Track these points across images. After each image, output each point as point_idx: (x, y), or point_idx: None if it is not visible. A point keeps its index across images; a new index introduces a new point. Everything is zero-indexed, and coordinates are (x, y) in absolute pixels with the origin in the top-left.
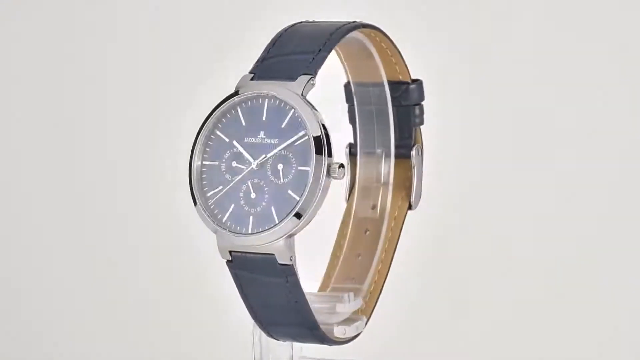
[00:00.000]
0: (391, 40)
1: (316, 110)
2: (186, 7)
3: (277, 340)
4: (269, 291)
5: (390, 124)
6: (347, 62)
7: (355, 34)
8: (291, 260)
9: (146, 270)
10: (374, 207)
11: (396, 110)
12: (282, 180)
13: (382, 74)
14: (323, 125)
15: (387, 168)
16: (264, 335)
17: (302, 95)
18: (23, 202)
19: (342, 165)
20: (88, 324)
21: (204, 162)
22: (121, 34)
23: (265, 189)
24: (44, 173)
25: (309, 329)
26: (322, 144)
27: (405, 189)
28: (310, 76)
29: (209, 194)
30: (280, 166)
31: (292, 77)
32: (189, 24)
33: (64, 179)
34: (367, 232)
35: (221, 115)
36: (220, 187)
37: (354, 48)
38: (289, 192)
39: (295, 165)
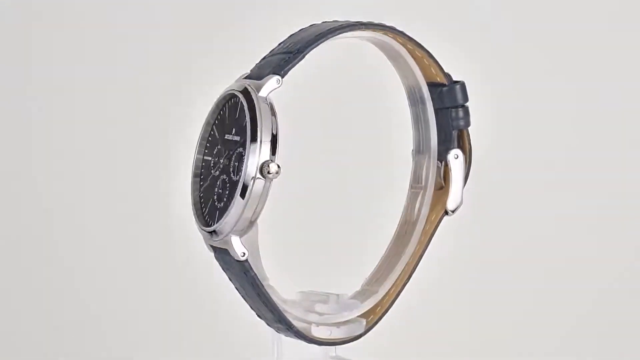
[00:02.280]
0: (415, 41)
1: (268, 109)
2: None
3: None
4: (243, 285)
5: (430, 126)
6: (393, 66)
7: (380, 36)
8: (243, 256)
9: (160, 269)
10: (416, 209)
11: (437, 112)
12: (235, 178)
13: (419, 75)
14: (273, 125)
15: (430, 171)
16: None
17: (261, 94)
18: (21, 200)
19: (278, 166)
20: (94, 323)
21: (205, 157)
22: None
23: (228, 185)
24: (42, 172)
25: (284, 325)
26: (259, 144)
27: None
28: (276, 76)
29: (202, 188)
30: (236, 164)
31: (261, 76)
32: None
33: (63, 179)
34: (406, 234)
35: (217, 110)
36: (208, 182)
37: (390, 51)
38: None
39: (244, 164)
